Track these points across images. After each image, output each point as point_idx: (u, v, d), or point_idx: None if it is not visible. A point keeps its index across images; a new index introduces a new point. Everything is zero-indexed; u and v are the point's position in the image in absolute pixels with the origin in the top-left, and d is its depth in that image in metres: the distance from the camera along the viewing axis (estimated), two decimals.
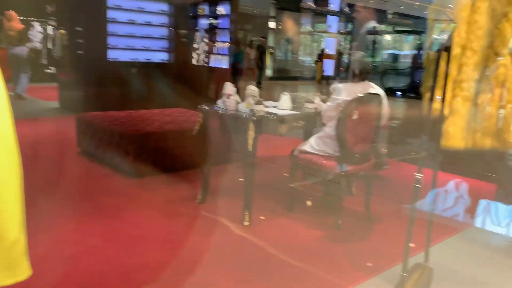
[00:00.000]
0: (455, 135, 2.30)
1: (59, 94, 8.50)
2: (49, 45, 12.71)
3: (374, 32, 4.12)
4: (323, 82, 16.48)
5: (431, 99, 1.70)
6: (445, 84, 1.71)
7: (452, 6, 2.08)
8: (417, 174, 1.74)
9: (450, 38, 1.71)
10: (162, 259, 2.76)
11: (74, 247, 2.84)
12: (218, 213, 3.51)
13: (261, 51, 14.05)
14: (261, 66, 14.24)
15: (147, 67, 8.14)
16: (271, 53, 15.55)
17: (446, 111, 2.23)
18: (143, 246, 2.93)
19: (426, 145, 1.88)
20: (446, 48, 1.63)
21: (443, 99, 1.78)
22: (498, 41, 2.25)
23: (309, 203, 3.78)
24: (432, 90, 1.64)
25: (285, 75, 18.88)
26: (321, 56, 17.34)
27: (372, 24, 4.09)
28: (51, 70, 12.17)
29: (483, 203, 4.36)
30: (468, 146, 2.40)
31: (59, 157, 5.08)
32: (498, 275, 2.83)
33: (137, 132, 4.33)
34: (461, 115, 2.29)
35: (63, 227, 3.13)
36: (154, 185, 4.13)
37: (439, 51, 1.64)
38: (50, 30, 12.77)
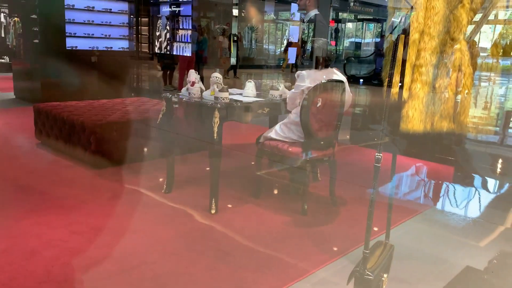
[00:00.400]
0: (415, 118, 2.38)
1: (14, 84, 8.18)
2: (2, 34, 12.16)
3: (315, 20, 4.19)
4: (288, 70, 16.58)
5: (389, 84, 1.75)
6: (403, 68, 1.76)
7: None
8: (377, 154, 1.79)
9: (408, 21, 1.75)
10: (128, 249, 2.73)
11: (36, 240, 2.77)
12: (185, 202, 3.50)
13: (235, 40, 13.88)
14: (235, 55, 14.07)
15: (108, 55, 7.94)
16: (235, 41, 15.46)
17: (405, 95, 2.30)
18: (107, 237, 2.88)
19: (386, 130, 1.93)
20: (404, 31, 1.67)
21: (401, 83, 1.84)
22: (454, 27, 2.34)
23: (275, 191, 3.82)
24: (390, 75, 1.69)
25: (250, 64, 18.86)
26: (289, 45, 17.27)
27: (314, 12, 4.15)
28: (5, 59, 11.68)
29: (442, 185, 4.55)
30: (426, 129, 2.49)
31: (16, 149, 4.90)
32: (455, 253, 2.97)
33: (99, 122, 4.23)
34: (420, 98, 2.36)
35: (23, 221, 3.03)
36: (117, 176, 4.06)
37: (397, 36, 1.69)
38: (2, 17, 12.21)
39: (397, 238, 3.03)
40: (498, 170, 5.29)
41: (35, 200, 3.43)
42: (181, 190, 3.73)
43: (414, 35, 2.27)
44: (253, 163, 3.74)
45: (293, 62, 16.92)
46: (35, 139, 5.02)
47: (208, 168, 3.42)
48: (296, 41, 17.60)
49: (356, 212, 3.54)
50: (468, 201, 4.13)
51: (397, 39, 1.66)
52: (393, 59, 1.61)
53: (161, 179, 3.86)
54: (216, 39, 16.74)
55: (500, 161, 5.61)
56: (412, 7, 2.00)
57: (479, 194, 4.36)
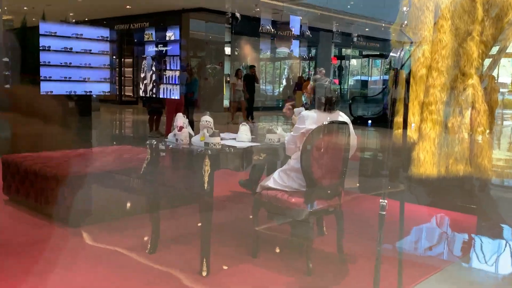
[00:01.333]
0: (426, 161, 2.40)
1: None
2: None
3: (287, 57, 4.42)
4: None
5: (391, 125, 1.79)
6: (406, 107, 1.81)
7: (406, 23, 2.22)
8: (382, 201, 1.81)
9: (407, 56, 1.82)
10: None
11: None
12: (171, 263, 3.45)
13: (249, 81, 13.95)
14: (249, 97, 14.04)
15: (87, 100, 8.07)
16: (228, 81, 15.79)
17: (415, 136, 2.34)
18: None
19: (401, 177, 1.96)
20: (402, 67, 1.73)
21: (405, 123, 1.87)
22: (464, 61, 2.41)
23: (276, 249, 3.79)
24: (391, 114, 1.74)
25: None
26: (300, 84, 17.20)
27: (282, 49, 4.40)
28: None
29: (465, 237, 4.52)
30: (441, 173, 2.51)
31: None
32: None
33: (75, 174, 4.24)
34: (431, 139, 2.40)
35: None
36: (96, 235, 4.03)
37: (396, 71, 1.74)
38: None
39: None
40: None
41: (3, 265, 3.38)
42: (167, 249, 3.69)
43: (421, 71, 2.33)
44: (250, 216, 3.72)
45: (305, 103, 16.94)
46: (3, 195, 5.01)
47: (198, 224, 3.40)
48: (306, 80, 17.70)
49: (368, 270, 3.48)
50: (497, 256, 4.08)
51: (396, 76, 1.72)
52: (392, 98, 1.65)
53: (145, 238, 3.83)
54: (207, 80, 17.06)
55: None
56: (411, 43, 2.08)
57: (509, 247, 4.32)
